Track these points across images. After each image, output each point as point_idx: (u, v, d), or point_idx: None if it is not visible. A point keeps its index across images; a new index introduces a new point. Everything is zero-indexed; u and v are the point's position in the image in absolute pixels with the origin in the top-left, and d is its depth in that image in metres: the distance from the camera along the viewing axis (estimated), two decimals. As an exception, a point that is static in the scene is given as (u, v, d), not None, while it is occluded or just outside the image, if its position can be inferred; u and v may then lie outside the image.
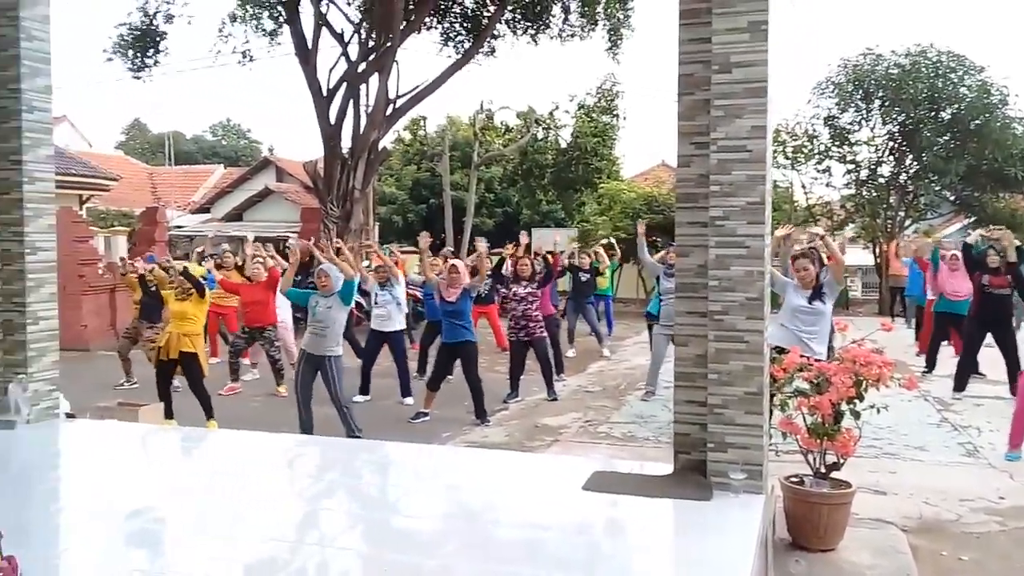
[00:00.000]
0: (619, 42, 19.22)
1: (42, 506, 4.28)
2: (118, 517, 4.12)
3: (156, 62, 18.17)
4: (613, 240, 13.36)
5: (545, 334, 9.61)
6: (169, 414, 7.85)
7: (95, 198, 23.92)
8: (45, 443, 5.61)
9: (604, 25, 19.12)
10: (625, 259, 21.73)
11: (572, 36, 19.53)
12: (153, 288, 10.07)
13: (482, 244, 9.47)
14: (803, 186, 23.00)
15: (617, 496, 4.35)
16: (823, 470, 4.81)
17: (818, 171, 22.46)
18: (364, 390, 9.55)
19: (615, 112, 25.21)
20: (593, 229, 22.21)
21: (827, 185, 22.78)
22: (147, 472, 5.04)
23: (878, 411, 4.79)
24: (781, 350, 5.25)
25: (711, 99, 4.33)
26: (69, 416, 6.28)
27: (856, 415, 4.72)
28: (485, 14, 19.42)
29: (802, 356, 5.01)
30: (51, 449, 5.58)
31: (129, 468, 5.11)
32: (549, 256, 11.16)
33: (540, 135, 26.27)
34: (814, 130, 22.07)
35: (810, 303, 6.47)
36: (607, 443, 7.49)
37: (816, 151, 22.14)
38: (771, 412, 4.71)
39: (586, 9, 18.88)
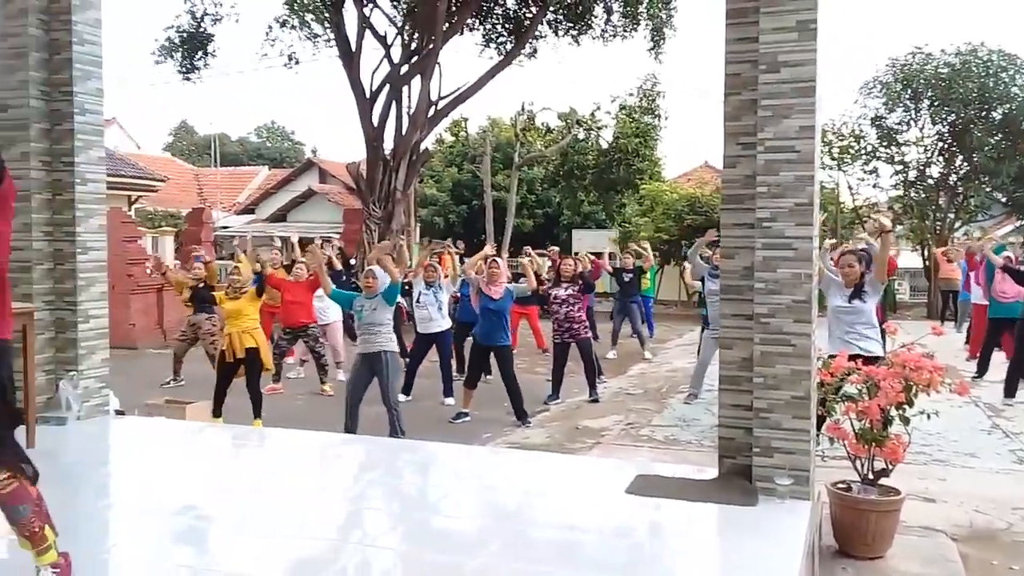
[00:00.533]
0: (661, 42, 19.11)
1: (92, 502, 4.36)
2: (165, 514, 4.19)
3: (205, 64, 18.48)
4: (645, 246, 13.26)
5: (589, 334, 9.58)
6: (217, 412, 7.95)
7: (143, 199, 24.42)
8: (95, 439, 5.72)
9: (646, 25, 19.02)
10: (666, 260, 21.62)
11: (614, 36, 19.46)
12: (201, 286, 10.29)
13: (528, 262, 9.40)
14: (849, 187, 22.70)
15: (660, 500, 4.32)
16: (871, 476, 4.71)
17: (865, 172, 22.13)
18: (406, 390, 9.58)
19: (657, 112, 25.07)
20: (635, 231, 22.14)
21: (874, 186, 22.47)
22: (194, 469, 5.11)
23: (928, 417, 4.68)
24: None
25: (758, 99, 4.28)
26: (118, 413, 6.41)
27: (905, 421, 4.63)
28: (527, 15, 19.43)
29: (852, 357, 4.92)
30: (101, 445, 5.68)
31: (177, 465, 5.19)
32: (592, 259, 11.10)
33: (581, 136, 26.22)
34: (861, 130, 21.75)
35: (850, 302, 6.35)
36: (649, 446, 7.44)
37: (863, 151, 21.80)
38: (820, 417, 4.64)
39: (628, 9, 18.80)
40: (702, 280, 9.39)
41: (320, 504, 4.36)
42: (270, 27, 18.80)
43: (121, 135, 33.64)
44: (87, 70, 5.96)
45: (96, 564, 3.41)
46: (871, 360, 5.45)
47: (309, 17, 18.89)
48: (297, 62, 19.11)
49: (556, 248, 17.09)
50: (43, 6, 5.85)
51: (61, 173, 5.88)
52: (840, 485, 4.80)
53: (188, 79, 18.53)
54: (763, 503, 4.20)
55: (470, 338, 9.35)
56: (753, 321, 4.33)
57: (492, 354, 8.65)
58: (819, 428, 4.73)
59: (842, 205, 22.82)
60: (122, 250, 14.38)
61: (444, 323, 9.52)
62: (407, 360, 10.01)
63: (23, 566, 3.07)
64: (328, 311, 10.53)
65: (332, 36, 18.20)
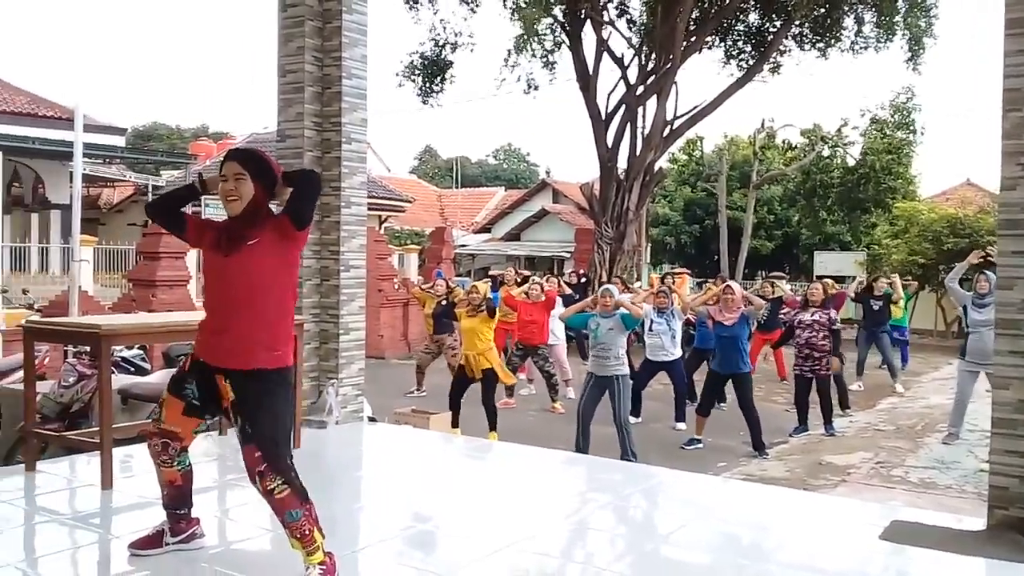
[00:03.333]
0: (920, 52, 17.76)
1: (347, 503, 4.68)
2: (408, 519, 4.42)
3: (442, 89, 19.46)
4: (905, 282, 12.40)
5: (831, 372, 9.07)
6: (455, 423, 8.34)
7: (392, 218, 26.16)
8: (351, 444, 6.16)
9: (903, 35, 17.77)
10: (921, 286, 20.03)
11: (865, 48, 18.39)
12: (444, 303, 10.86)
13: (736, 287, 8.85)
14: None
15: (919, 550, 3.97)
16: None
17: None
18: (635, 412, 9.50)
19: (912, 127, 23.36)
20: (885, 253, 20.68)
21: None
22: (435, 478, 5.36)
23: None
24: None
25: (1043, 114, 3.87)
26: (371, 420, 6.88)
27: None
28: (770, 30, 18.83)
29: None
30: (355, 450, 6.11)
31: (420, 473, 5.47)
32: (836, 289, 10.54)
33: (826, 153, 24.96)
34: None
35: None
36: (902, 488, 6.88)
37: None
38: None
39: (883, 19, 17.66)
40: (964, 309, 8.59)
41: (548, 521, 4.41)
42: (509, 52, 19.50)
43: (374, 159, 36.27)
44: (354, 102, 6.46)
45: (347, 563, 3.64)
46: None
47: (548, 44, 19.32)
48: (536, 88, 19.57)
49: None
50: (317, 44, 6.42)
51: (329, 197, 6.40)
52: None
53: (426, 102, 19.59)
54: (1041, 563, 3.75)
55: (703, 365, 9.10)
56: (1033, 360, 3.90)
57: (729, 381, 8.39)
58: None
59: None
60: (374, 266, 15.44)
61: (675, 352, 9.24)
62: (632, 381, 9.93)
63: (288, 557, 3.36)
64: (554, 332, 10.73)
65: (568, 60, 18.54)
